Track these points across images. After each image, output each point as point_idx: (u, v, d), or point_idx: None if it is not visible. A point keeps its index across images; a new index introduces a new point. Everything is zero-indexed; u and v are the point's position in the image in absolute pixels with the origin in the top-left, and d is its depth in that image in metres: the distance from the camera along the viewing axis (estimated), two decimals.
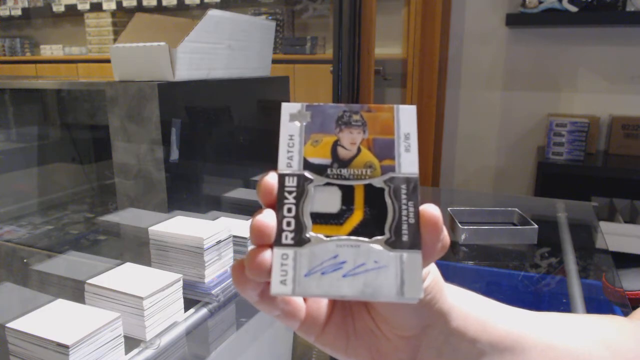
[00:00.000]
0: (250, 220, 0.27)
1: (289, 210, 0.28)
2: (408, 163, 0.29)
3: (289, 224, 0.28)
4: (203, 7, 3.07)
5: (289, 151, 0.30)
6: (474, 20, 2.42)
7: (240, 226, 0.88)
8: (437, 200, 1.62)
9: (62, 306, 0.61)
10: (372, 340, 0.32)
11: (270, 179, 0.28)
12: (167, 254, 0.77)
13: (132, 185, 0.92)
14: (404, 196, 0.29)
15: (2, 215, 1.23)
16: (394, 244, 0.27)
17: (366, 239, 0.28)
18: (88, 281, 0.67)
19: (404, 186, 0.29)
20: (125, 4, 3.30)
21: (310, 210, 0.28)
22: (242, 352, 0.72)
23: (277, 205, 0.28)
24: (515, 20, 2.23)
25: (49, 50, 3.70)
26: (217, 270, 0.78)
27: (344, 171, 0.29)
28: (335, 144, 0.30)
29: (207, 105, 1.02)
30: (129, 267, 0.72)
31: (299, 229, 0.28)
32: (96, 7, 3.40)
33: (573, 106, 2.32)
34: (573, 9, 2.07)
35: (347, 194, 0.29)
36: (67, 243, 1.09)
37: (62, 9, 3.53)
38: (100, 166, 1.42)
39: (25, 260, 0.99)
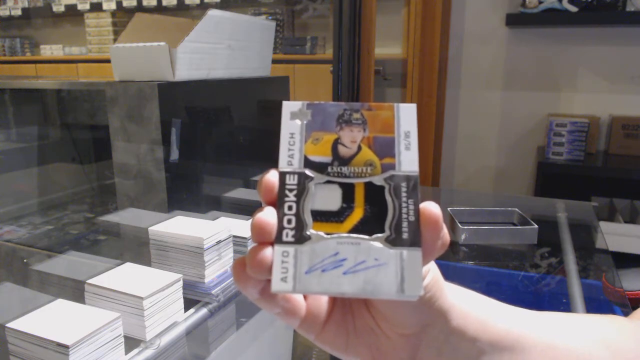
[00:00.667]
0: (251, 219, 0.27)
1: (290, 207, 0.28)
2: (408, 161, 0.30)
3: (289, 221, 0.28)
4: (203, 7, 3.07)
5: (289, 149, 0.30)
6: (474, 20, 2.41)
7: (240, 226, 0.88)
8: (437, 200, 1.61)
9: (62, 306, 0.61)
10: (372, 338, 0.32)
11: (271, 176, 0.28)
12: (167, 254, 0.77)
13: (132, 185, 0.92)
14: (404, 194, 0.29)
15: (2, 215, 1.23)
16: (394, 241, 0.28)
17: (366, 237, 0.28)
18: (88, 281, 0.67)
19: (404, 184, 0.29)
20: (125, 4, 3.30)
21: (310, 207, 0.28)
22: (242, 352, 0.72)
23: (277, 202, 0.28)
24: (515, 20, 2.23)
25: (49, 50, 3.70)
26: (217, 270, 0.78)
27: (345, 169, 0.30)
28: (336, 142, 0.30)
29: (207, 105, 1.02)
30: (129, 267, 0.72)
31: (300, 227, 0.28)
32: (96, 7, 3.40)
33: (573, 106, 2.32)
34: (573, 9, 2.07)
35: (348, 191, 0.29)
36: (67, 243, 1.09)
37: (62, 9, 3.53)
38: (100, 166, 1.42)
39: (25, 260, 0.99)
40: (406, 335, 0.31)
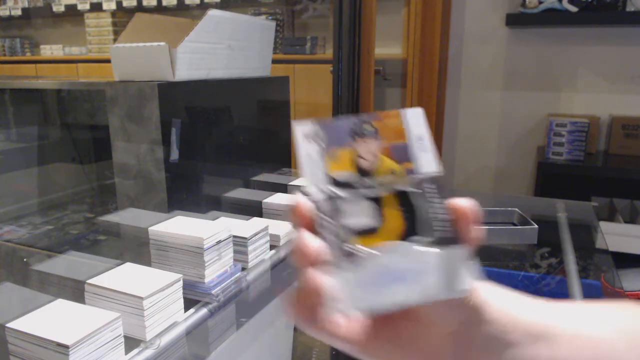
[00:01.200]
0: (292, 246, 0.28)
1: (328, 230, 0.29)
2: (428, 162, 0.30)
3: (331, 243, 0.28)
4: (203, 7, 3.07)
5: (312, 171, 0.30)
6: (474, 20, 2.41)
7: (240, 226, 0.88)
8: None
9: (62, 306, 0.61)
10: (414, 344, 0.33)
11: (303, 202, 0.29)
12: (167, 254, 0.77)
13: (132, 185, 0.92)
14: (432, 195, 0.30)
15: (2, 215, 1.23)
16: (434, 243, 0.28)
17: (408, 243, 0.29)
18: (88, 281, 0.67)
19: (430, 185, 0.30)
20: (125, 4, 3.30)
21: (348, 225, 0.29)
22: (242, 352, 0.72)
23: (314, 227, 0.28)
24: (515, 20, 2.23)
25: (49, 50, 3.70)
26: (217, 270, 0.78)
27: (370, 181, 0.30)
28: (355, 157, 0.31)
29: (207, 105, 1.02)
30: (129, 267, 0.72)
31: (342, 246, 0.28)
32: (96, 7, 3.40)
33: (573, 106, 2.31)
34: (573, 9, 2.07)
35: (379, 203, 0.30)
36: (67, 243, 1.09)
37: (62, 9, 3.53)
38: (100, 166, 1.42)
39: (25, 260, 0.99)
40: (445, 334, 0.32)
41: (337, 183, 0.30)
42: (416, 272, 0.28)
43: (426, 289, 0.28)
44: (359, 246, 0.28)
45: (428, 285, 0.28)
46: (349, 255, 0.28)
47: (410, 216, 0.29)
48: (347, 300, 0.27)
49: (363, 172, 0.30)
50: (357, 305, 0.27)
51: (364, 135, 0.31)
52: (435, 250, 0.28)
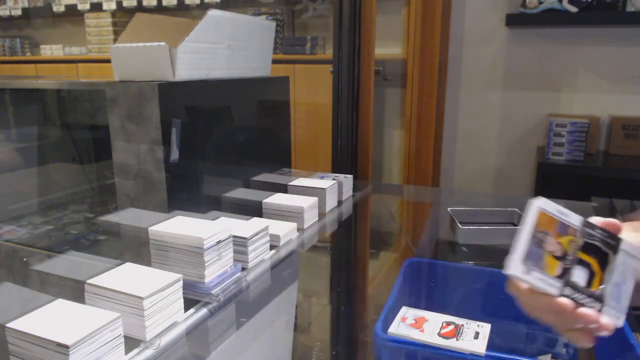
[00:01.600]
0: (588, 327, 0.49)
1: (582, 299, 0.49)
2: (576, 218, 0.51)
3: (590, 302, 0.49)
4: (203, 7, 3.07)
5: (547, 283, 0.49)
6: (474, 20, 2.41)
7: (240, 226, 0.88)
8: (437, 200, 1.61)
9: (62, 306, 0.61)
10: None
11: (563, 302, 0.48)
12: (167, 254, 0.77)
13: (132, 185, 0.92)
14: (593, 230, 0.51)
15: (2, 215, 1.22)
16: (616, 249, 0.51)
17: (610, 266, 0.51)
18: (88, 281, 0.67)
19: (589, 228, 0.51)
20: (125, 4, 3.30)
21: (583, 285, 0.50)
22: (242, 352, 0.72)
23: (577, 305, 0.48)
24: (515, 20, 2.23)
25: (49, 50, 3.70)
26: (217, 270, 0.78)
27: (569, 257, 0.50)
28: (552, 254, 0.50)
29: (207, 105, 1.02)
30: (129, 267, 0.72)
31: (590, 298, 0.49)
32: (96, 7, 3.40)
33: (573, 106, 2.31)
34: (573, 9, 2.07)
35: (582, 261, 0.51)
36: (67, 243, 1.09)
37: (62, 9, 3.53)
38: (100, 166, 1.42)
39: (25, 260, 0.99)
40: None
41: (560, 276, 0.49)
42: (624, 269, 0.50)
43: (634, 269, 0.50)
44: (597, 287, 0.50)
45: (633, 267, 0.51)
46: (598, 297, 0.49)
47: (596, 249, 0.51)
48: (619, 316, 0.50)
49: (562, 257, 0.50)
50: (621, 314, 0.49)
51: (543, 241, 0.50)
52: (618, 252, 0.51)
